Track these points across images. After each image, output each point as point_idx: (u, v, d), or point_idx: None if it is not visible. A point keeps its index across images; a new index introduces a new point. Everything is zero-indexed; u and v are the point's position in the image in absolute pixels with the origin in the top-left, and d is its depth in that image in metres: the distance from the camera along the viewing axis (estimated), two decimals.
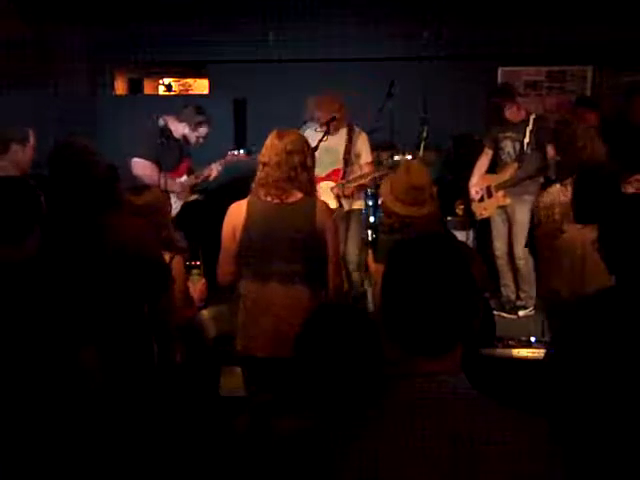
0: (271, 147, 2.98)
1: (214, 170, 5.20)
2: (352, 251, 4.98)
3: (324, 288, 3.04)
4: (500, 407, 1.33)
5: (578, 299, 2.40)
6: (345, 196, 4.78)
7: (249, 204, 3.02)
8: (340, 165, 4.83)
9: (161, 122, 4.98)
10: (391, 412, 1.30)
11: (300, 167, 2.96)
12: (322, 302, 2.98)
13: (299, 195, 2.99)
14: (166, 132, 4.97)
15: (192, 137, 5.06)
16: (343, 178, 4.82)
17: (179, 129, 5.04)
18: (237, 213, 3.03)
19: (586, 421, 1.83)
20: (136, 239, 2.54)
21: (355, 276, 5.02)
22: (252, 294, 3.00)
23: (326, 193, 4.68)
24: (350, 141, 4.83)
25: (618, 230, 1.97)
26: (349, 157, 4.84)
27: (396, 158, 5.05)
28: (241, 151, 5.34)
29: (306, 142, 3.06)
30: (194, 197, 5.16)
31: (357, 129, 4.90)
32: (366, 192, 5.26)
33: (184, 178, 5.11)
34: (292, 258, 2.94)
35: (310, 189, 3.04)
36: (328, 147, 4.69)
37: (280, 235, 2.95)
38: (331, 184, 4.79)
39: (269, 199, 2.98)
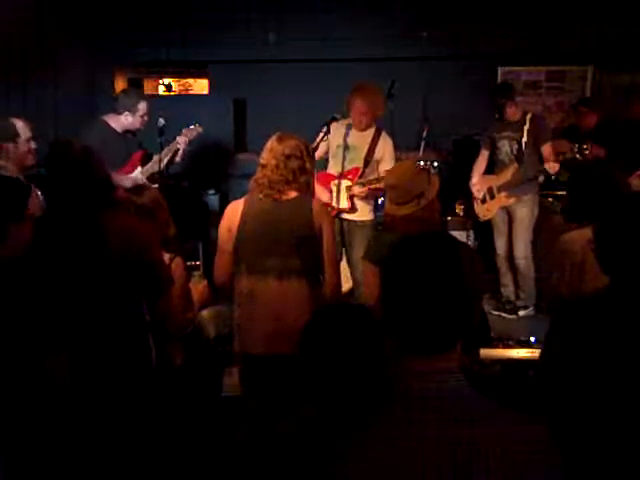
0: (270, 150, 3.01)
1: (181, 142, 5.08)
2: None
3: (320, 285, 3.04)
4: (500, 408, 1.33)
5: (572, 299, 2.40)
6: (356, 196, 4.67)
7: (245, 202, 3.05)
8: (360, 164, 4.72)
9: (161, 122, 4.92)
10: (390, 413, 1.30)
11: (298, 171, 2.98)
12: (322, 302, 2.97)
13: (294, 194, 3.00)
14: (108, 132, 4.80)
15: (137, 122, 4.88)
16: (360, 178, 4.71)
17: (122, 123, 4.86)
18: (233, 213, 3.05)
19: (582, 420, 1.83)
20: (135, 239, 2.53)
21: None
22: (247, 290, 3.01)
23: (342, 192, 4.67)
24: (374, 144, 4.73)
25: (613, 230, 1.97)
26: (370, 159, 4.73)
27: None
28: (195, 125, 5.23)
29: (306, 147, 3.06)
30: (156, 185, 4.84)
31: (384, 133, 4.78)
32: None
33: (137, 171, 4.91)
34: (287, 254, 2.95)
35: (307, 190, 3.05)
36: (352, 145, 4.68)
37: (275, 231, 2.96)
38: (348, 183, 4.72)
39: (264, 197, 3.00)
